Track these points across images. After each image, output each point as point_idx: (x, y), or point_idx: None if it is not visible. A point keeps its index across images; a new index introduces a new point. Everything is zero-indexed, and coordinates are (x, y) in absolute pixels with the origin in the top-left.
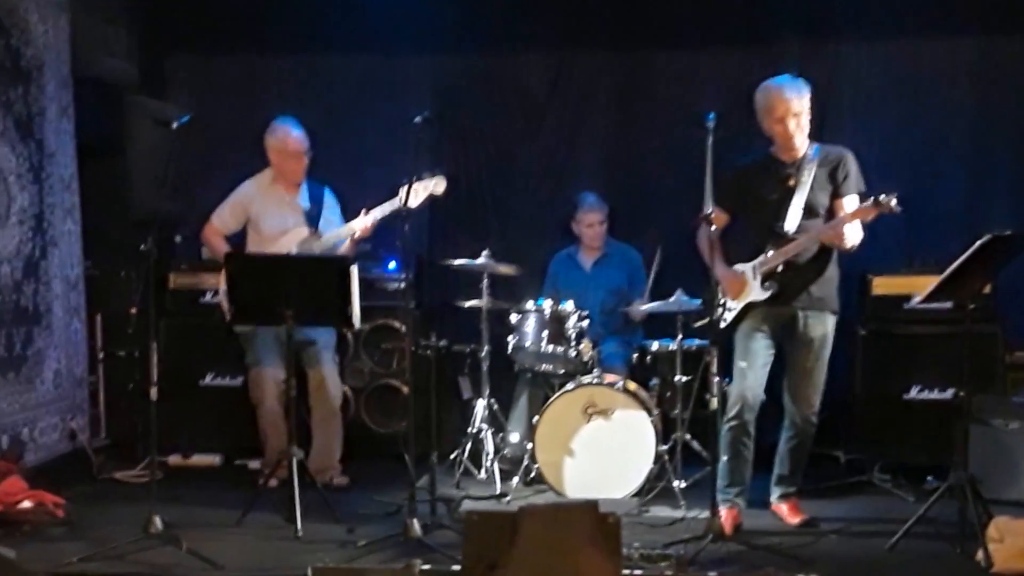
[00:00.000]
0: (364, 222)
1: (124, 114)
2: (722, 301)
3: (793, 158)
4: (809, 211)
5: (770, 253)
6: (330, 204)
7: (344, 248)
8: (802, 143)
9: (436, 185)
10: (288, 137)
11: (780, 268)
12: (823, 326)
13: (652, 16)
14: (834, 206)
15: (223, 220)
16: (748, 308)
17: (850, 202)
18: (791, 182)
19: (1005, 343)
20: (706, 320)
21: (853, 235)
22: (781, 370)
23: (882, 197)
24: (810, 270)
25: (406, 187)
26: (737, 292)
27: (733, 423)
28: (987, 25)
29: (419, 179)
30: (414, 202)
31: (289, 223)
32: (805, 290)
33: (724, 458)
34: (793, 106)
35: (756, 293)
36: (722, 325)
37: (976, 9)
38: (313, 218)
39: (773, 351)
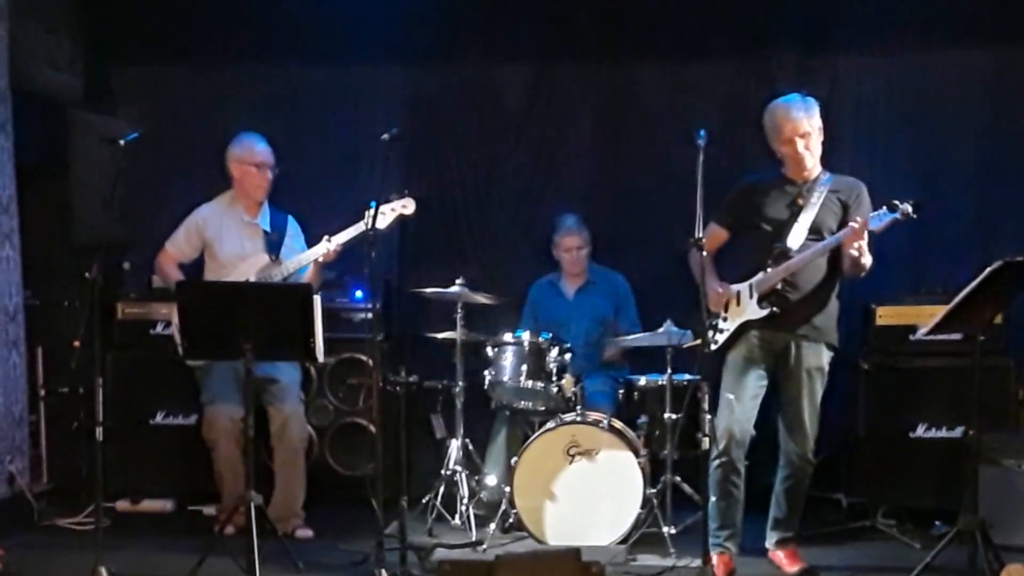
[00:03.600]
0: (327, 247)
1: (67, 130)
2: (714, 323)
3: (804, 179)
4: (815, 233)
5: (769, 271)
6: (293, 233)
7: (307, 276)
8: (813, 165)
9: (405, 207)
10: (254, 147)
11: (779, 286)
12: (817, 358)
13: (639, 26)
14: None
15: (177, 246)
16: (741, 331)
17: None
18: (799, 202)
19: (1018, 377)
20: (696, 342)
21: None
22: (776, 407)
23: (897, 202)
24: (812, 299)
25: (372, 211)
26: (720, 307)
27: (721, 460)
28: (1000, 35)
29: (387, 201)
30: (382, 223)
31: (247, 248)
32: (804, 318)
33: (712, 498)
34: (801, 126)
35: (751, 311)
36: (713, 347)
37: (988, 18)
38: (274, 244)
39: (765, 383)
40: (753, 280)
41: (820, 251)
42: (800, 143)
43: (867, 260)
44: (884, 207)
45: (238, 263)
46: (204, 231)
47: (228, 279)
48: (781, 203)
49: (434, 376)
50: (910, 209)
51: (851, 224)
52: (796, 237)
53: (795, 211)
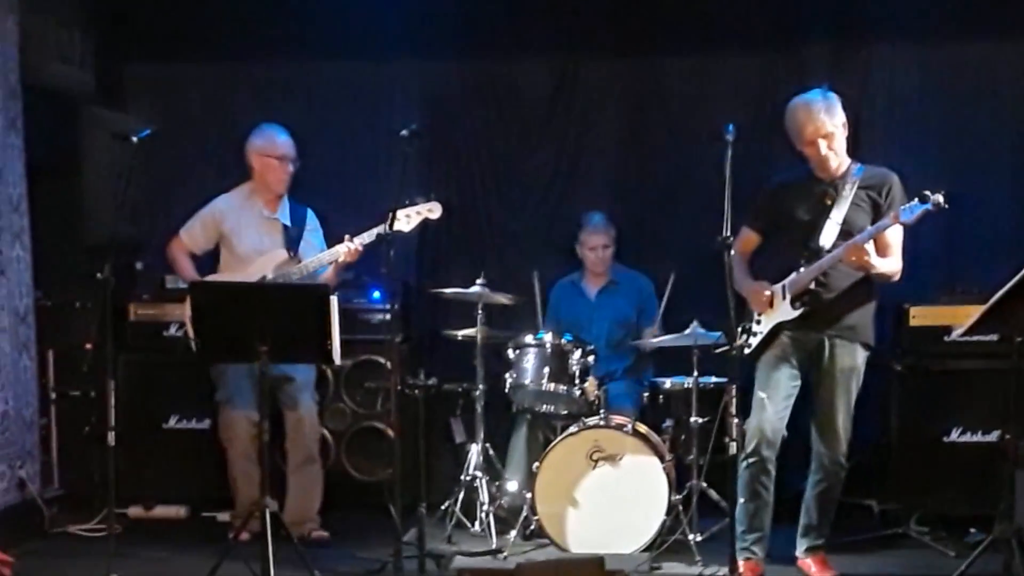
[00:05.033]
0: (349, 246)
1: (79, 127)
2: (747, 326)
3: (831, 176)
4: (846, 232)
5: (802, 270)
6: (312, 227)
7: (325, 276)
8: (838, 163)
9: (431, 210)
10: (276, 139)
11: (812, 286)
12: (851, 358)
13: (665, 18)
14: None
15: (192, 236)
16: (775, 333)
17: (894, 229)
18: (828, 200)
19: None
20: (727, 348)
21: (891, 263)
22: (807, 410)
23: (928, 192)
24: (846, 298)
25: (391, 213)
26: (764, 306)
27: (751, 460)
28: None
29: (411, 203)
30: (406, 227)
31: (266, 244)
32: (837, 317)
33: (741, 500)
34: (824, 127)
35: (785, 312)
36: (747, 351)
37: None
38: (293, 239)
39: (798, 384)
40: (786, 281)
41: (857, 245)
42: (823, 144)
43: (886, 268)
44: (915, 199)
45: (256, 258)
46: (222, 224)
47: (245, 274)
48: (811, 202)
49: (453, 379)
50: (941, 199)
51: (874, 227)
52: (828, 235)
53: (826, 209)
